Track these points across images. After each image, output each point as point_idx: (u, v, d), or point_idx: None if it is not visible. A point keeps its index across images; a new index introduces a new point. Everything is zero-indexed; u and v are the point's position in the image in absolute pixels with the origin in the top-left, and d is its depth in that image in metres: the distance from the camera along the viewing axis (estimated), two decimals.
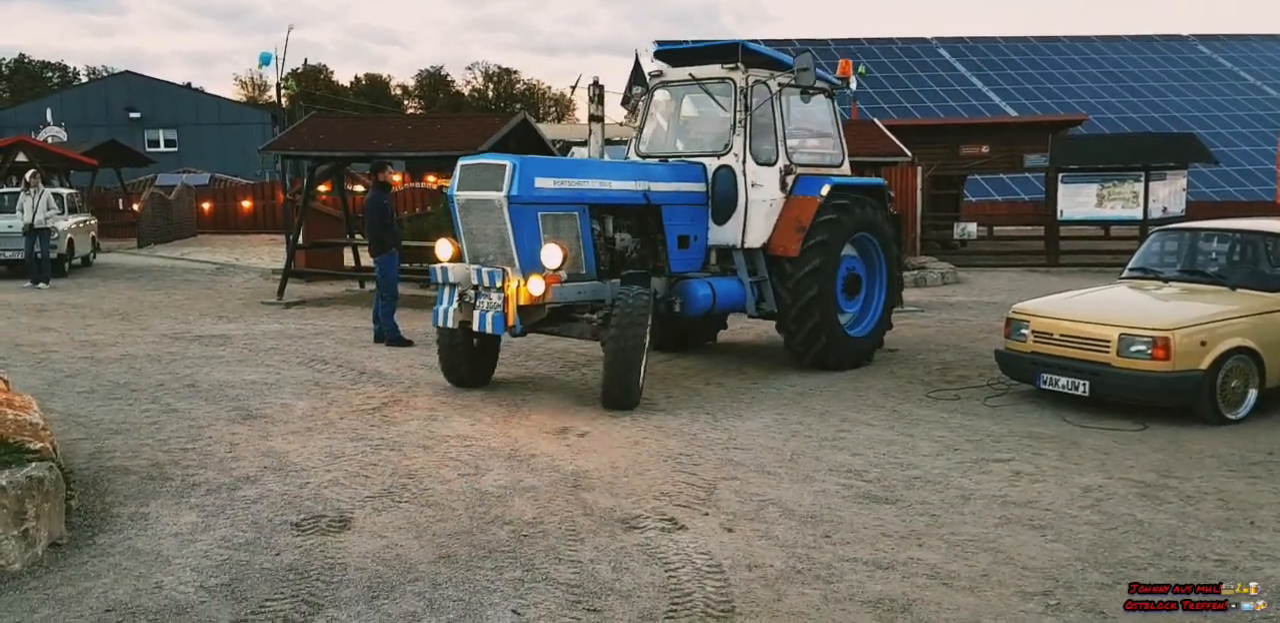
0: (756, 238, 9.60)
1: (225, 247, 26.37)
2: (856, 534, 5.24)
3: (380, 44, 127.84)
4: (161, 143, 52.03)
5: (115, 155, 30.36)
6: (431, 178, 28.97)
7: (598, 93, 10.31)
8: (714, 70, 9.68)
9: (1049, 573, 4.71)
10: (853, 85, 10.50)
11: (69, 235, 19.22)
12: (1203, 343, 7.63)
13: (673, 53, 10.29)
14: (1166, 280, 8.88)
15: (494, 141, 14.10)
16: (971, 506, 5.73)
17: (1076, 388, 8.02)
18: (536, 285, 7.92)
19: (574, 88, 10.74)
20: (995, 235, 23.64)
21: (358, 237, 19.20)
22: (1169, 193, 19.78)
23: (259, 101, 68.80)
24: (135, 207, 28.19)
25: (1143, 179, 19.06)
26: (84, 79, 73.58)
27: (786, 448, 6.95)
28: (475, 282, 8.23)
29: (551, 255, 8.06)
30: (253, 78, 78.10)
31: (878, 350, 10.46)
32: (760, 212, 9.57)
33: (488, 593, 4.47)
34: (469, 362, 8.85)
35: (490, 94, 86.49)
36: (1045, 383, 8.25)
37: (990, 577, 4.67)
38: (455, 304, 8.33)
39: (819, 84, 9.85)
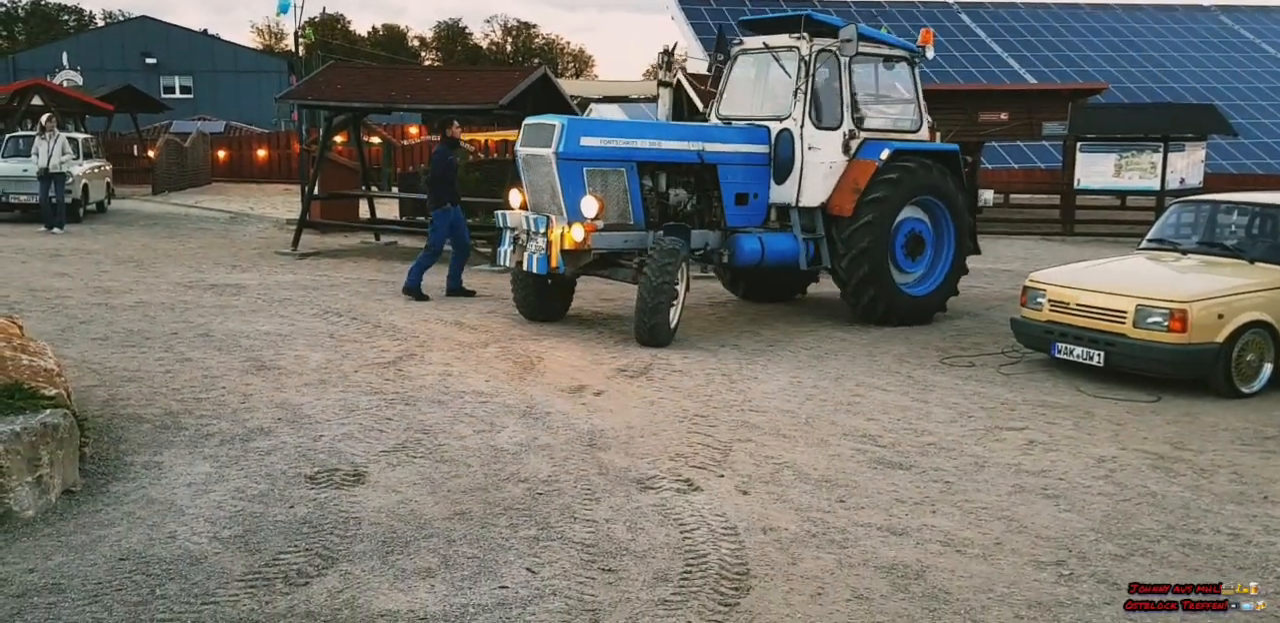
0: (813, 197, 10.15)
1: (240, 195, 26.29)
2: (871, 499, 5.26)
3: None
4: (177, 89, 51.72)
5: (131, 101, 30.18)
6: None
7: (666, 60, 11.04)
8: (783, 40, 10.27)
9: (1062, 543, 4.72)
10: (929, 54, 10.84)
11: (84, 181, 19.17)
12: (1220, 316, 7.58)
13: (753, 22, 11.03)
14: (1184, 252, 8.81)
15: (513, 96, 13.96)
16: (985, 473, 5.73)
17: (1091, 358, 8.00)
18: (578, 232, 8.81)
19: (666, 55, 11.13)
20: (1011, 203, 23.44)
21: (373, 188, 19.18)
22: (1187, 164, 19.57)
23: (275, 50, 68.32)
24: (150, 153, 28.07)
25: (1161, 150, 18.84)
26: (100, 23, 73.00)
27: (802, 411, 6.96)
28: (526, 227, 9.28)
29: (589, 206, 8.91)
30: (269, 26, 77.58)
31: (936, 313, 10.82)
32: (818, 173, 10.09)
33: (502, 551, 4.49)
34: (537, 298, 9.91)
35: (509, 48, 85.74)
36: (1060, 352, 8.23)
37: (1004, 545, 4.68)
38: (511, 246, 9.54)
39: (895, 52, 10.54)
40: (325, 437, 6.09)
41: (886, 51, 10.59)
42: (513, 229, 9.55)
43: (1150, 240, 9.29)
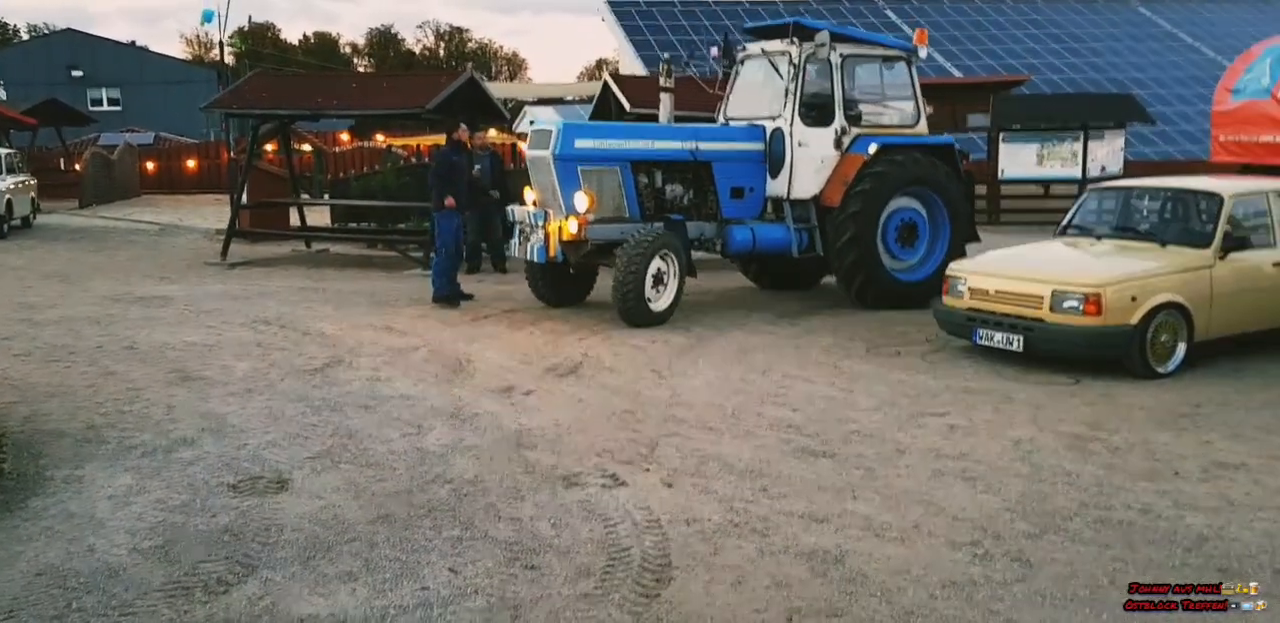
0: (804, 190, 10.91)
1: (169, 207, 25.91)
2: (793, 488, 5.33)
3: (330, 0, 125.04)
4: (105, 102, 50.79)
5: (56, 114, 29.59)
6: (380, 137, 28.64)
7: (667, 68, 11.67)
8: (777, 45, 11.03)
9: (978, 523, 4.83)
10: (922, 53, 11.46)
11: (7, 196, 18.77)
12: (1133, 298, 7.76)
13: (753, 30, 11.92)
14: (1100, 237, 9.00)
15: (440, 100, 13.92)
16: (906, 459, 5.84)
17: (1011, 343, 8.15)
18: (572, 224, 9.82)
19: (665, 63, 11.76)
20: None
21: (303, 195, 19.00)
22: (1107, 152, 19.98)
23: (205, 60, 67.25)
24: (77, 166, 27.53)
25: (1081, 138, 19.24)
26: (25, 37, 71.38)
27: (729, 404, 7.02)
28: (529, 221, 10.25)
29: (581, 201, 9.89)
30: (199, 36, 76.31)
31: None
32: (809, 167, 10.83)
33: (425, 552, 4.50)
34: (547, 285, 10.87)
35: (441, 53, 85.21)
36: (981, 339, 8.38)
37: (921, 528, 4.78)
38: (517, 239, 10.61)
39: (890, 52, 11.31)
40: (249, 445, 6.04)
41: (882, 52, 11.33)
42: (520, 223, 10.53)
43: (1067, 227, 9.50)
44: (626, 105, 13.98)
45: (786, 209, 11.03)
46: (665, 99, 11.71)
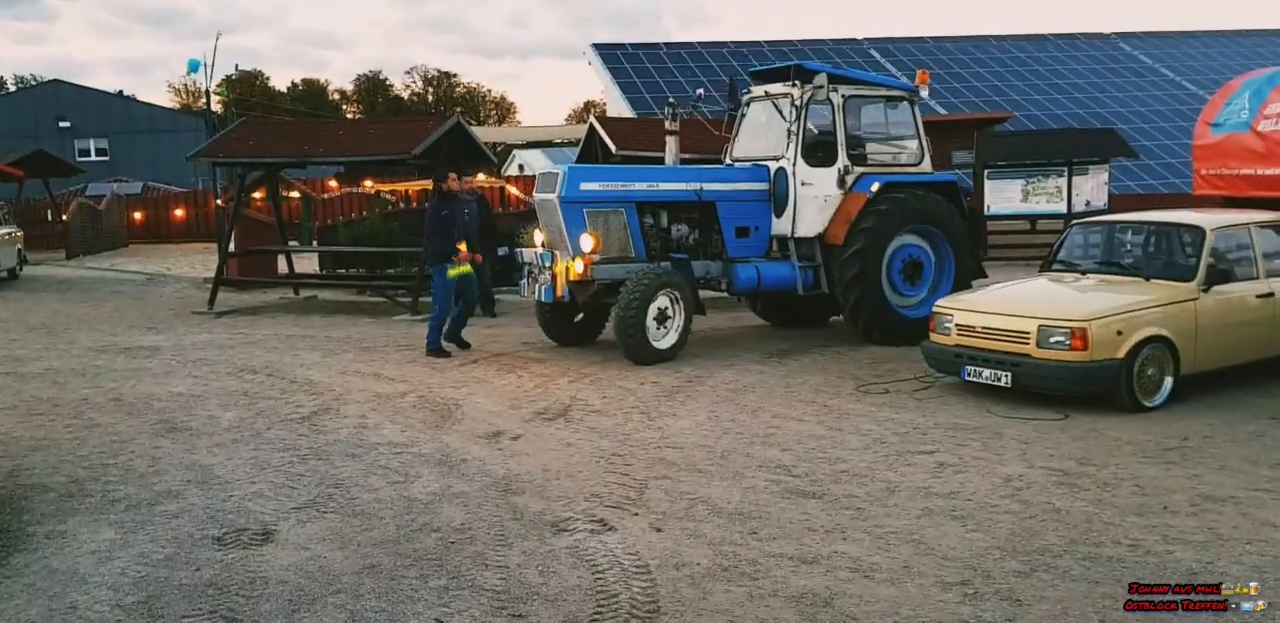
0: (808, 228, 11.14)
1: (157, 256, 25.91)
2: (783, 529, 5.30)
3: (319, 48, 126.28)
4: (93, 152, 50.94)
5: (43, 166, 29.64)
6: (369, 182, 28.71)
7: (672, 112, 11.96)
8: (780, 88, 11.30)
9: (968, 562, 4.80)
10: (924, 93, 11.87)
11: None
12: (1119, 333, 7.80)
13: (757, 73, 12.14)
14: (1084, 272, 9.07)
15: (426, 145, 14.02)
16: (895, 498, 5.81)
17: (999, 379, 8.17)
18: (578, 265, 10.11)
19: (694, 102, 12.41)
20: None
21: (291, 242, 19.03)
22: (1092, 186, 20.13)
23: (193, 109, 67.69)
24: (64, 217, 27.58)
25: (1066, 174, 19.40)
26: (11, 88, 71.85)
27: (718, 445, 7.00)
28: (537, 262, 10.52)
29: (586, 242, 10.16)
30: (186, 85, 76.80)
31: None
32: (813, 206, 11.07)
33: (411, 602, 4.45)
34: (556, 324, 11.13)
35: (430, 98, 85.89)
36: (970, 375, 8.40)
37: (911, 568, 4.75)
38: (526, 279, 10.86)
39: (893, 92, 11.59)
40: (235, 497, 6.00)
41: (884, 92, 11.61)
42: (529, 264, 10.81)
43: (1052, 262, 9.56)
44: (613, 147, 14.09)
45: (792, 247, 11.27)
46: (670, 142, 12.00)
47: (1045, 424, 7.51)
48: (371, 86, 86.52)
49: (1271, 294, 8.56)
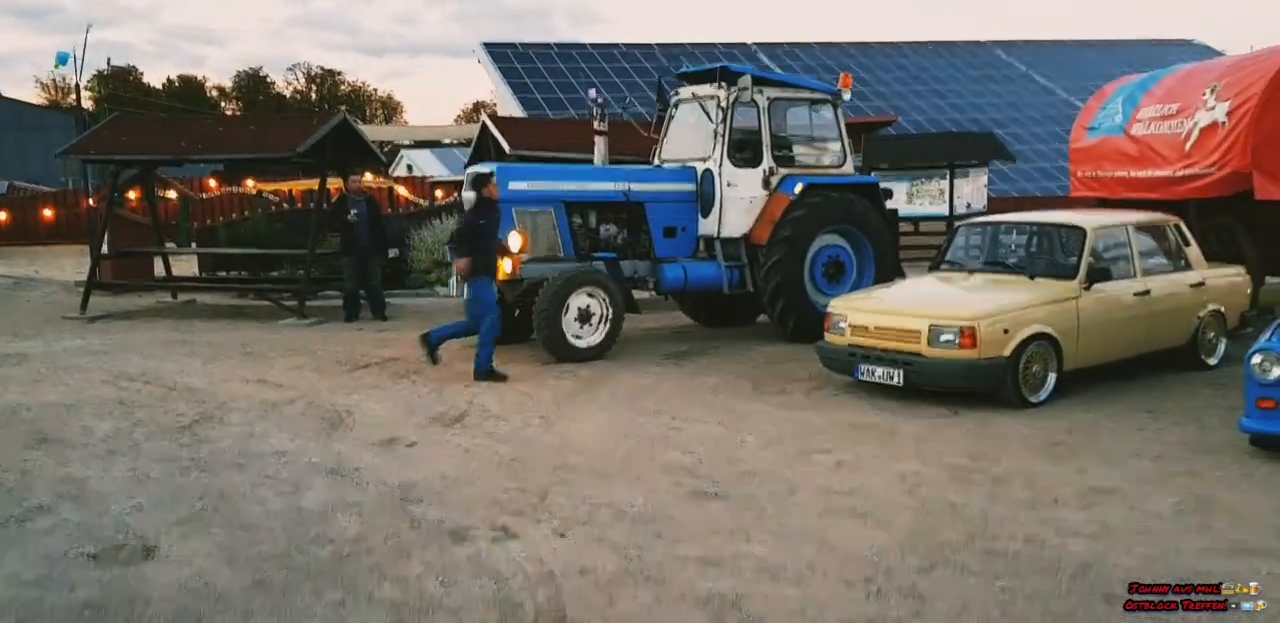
0: (733, 229, 11.32)
1: (24, 259, 24.71)
2: (688, 532, 5.26)
3: (196, 44, 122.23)
4: None
5: None
6: (250, 182, 27.88)
7: (600, 111, 12.08)
8: (707, 89, 11.45)
9: (870, 560, 4.83)
10: (846, 96, 12.07)
11: None
12: (1005, 331, 7.98)
13: (685, 75, 12.29)
14: (972, 272, 9.27)
15: (311, 142, 13.62)
16: (797, 497, 5.83)
17: (891, 378, 8.29)
18: (506, 264, 10.10)
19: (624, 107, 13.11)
20: None
21: (168, 244, 18.33)
22: (973, 189, 20.69)
23: (62, 105, 64.85)
24: None
25: (948, 176, 19.90)
26: None
27: (619, 449, 6.94)
28: None
29: (513, 241, 10.21)
30: (55, 80, 73.53)
31: None
32: (739, 207, 11.26)
33: (306, 619, 4.27)
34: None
35: (314, 96, 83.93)
36: (863, 374, 8.50)
37: (815, 567, 4.75)
38: (456, 277, 10.44)
39: (816, 95, 11.81)
40: (112, 511, 5.69)
41: (808, 95, 11.83)
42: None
43: (941, 262, 9.76)
44: (506, 147, 13.92)
45: (718, 247, 11.44)
46: (599, 142, 12.12)
47: (937, 421, 7.65)
48: (252, 84, 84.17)
49: (1148, 292, 8.88)
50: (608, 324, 10.42)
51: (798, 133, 12.05)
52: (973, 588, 4.47)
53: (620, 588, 4.54)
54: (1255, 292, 10.43)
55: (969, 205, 20.26)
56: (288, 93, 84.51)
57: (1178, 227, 9.68)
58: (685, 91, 11.94)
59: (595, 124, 12.19)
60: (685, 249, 11.55)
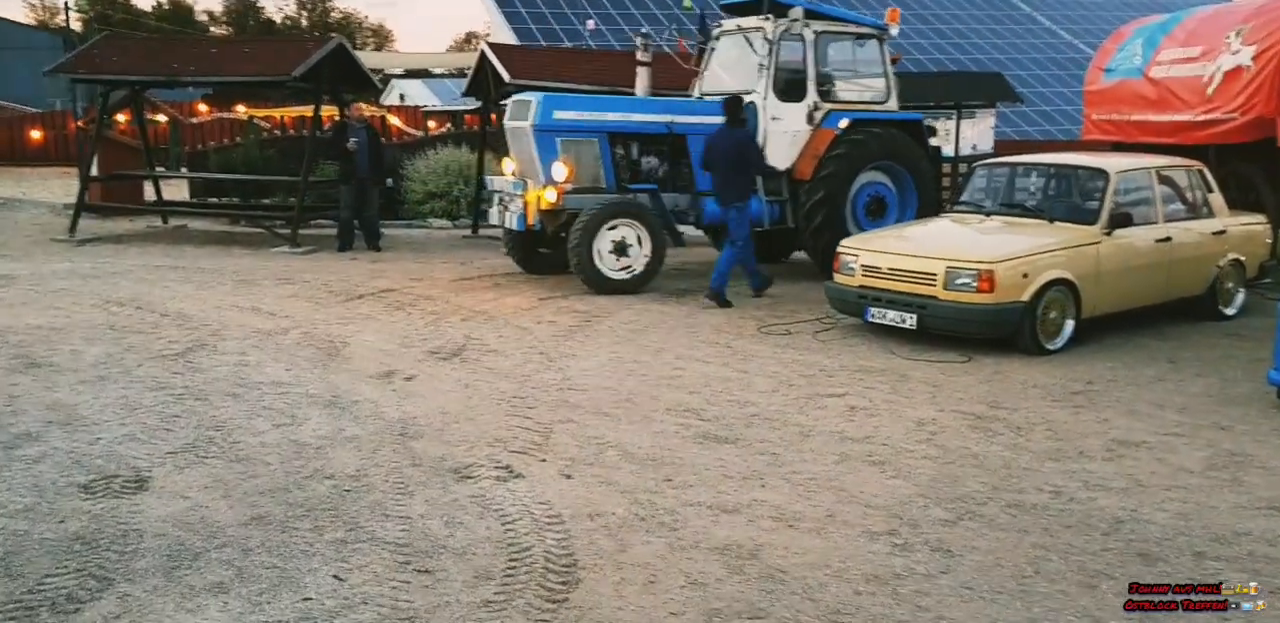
0: (776, 163, 11.02)
1: (11, 180, 24.17)
2: (699, 476, 5.07)
3: None
4: None
5: None
6: (241, 108, 27.27)
7: (644, 43, 11.87)
8: (753, 21, 11.26)
9: (892, 511, 4.65)
10: (894, 31, 11.86)
11: None
12: (1024, 275, 7.75)
13: (729, 6, 12.05)
14: (988, 214, 9.00)
15: (307, 67, 13.19)
16: (810, 443, 5.64)
17: (904, 321, 8.08)
18: (550, 194, 10.09)
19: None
20: None
21: (159, 168, 17.91)
22: (978, 131, 20.26)
23: (50, 26, 63.30)
24: None
25: (955, 117, 19.47)
26: None
27: (623, 388, 6.73)
28: (509, 190, 10.58)
29: (560, 171, 10.19)
30: (43, 0, 71.75)
31: None
32: (782, 141, 11.09)
33: (306, 557, 4.07)
34: (526, 253, 11.28)
35: (304, 22, 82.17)
36: (874, 317, 8.29)
37: (835, 517, 4.57)
38: (497, 207, 10.89)
39: (863, 30, 11.60)
40: (103, 440, 5.48)
41: (854, 30, 11.58)
42: (499, 192, 10.86)
43: (957, 203, 9.48)
44: (506, 77, 13.46)
45: (759, 182, 11.15)
46: (642, 73, 11.89)
47: (949, 367, 7.45)
48: (242, 8, 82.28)
49: (1169, 239, 8.64)
50: (647, 257, 10.30)
51: (841, 67, 11.81)
52: (1002, 543, 4.29)
53: (632, 534, 4.35)
54: (1275, 241, 10.19)
55: (975, 147, 19.85)
56: (278, 18, 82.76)
57: (1201, 172, 9.40)
58: (729, 23, 11.68)
59: (638, 55, 11.96)
60: None
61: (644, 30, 12.12)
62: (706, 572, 4.00)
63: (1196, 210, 9.17)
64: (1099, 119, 13.72)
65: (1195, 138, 11.42)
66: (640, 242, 10.28)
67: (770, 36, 10.98)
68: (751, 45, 11.19)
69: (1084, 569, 4.03)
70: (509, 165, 10.98)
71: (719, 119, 10.79)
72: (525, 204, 10.28)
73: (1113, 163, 8.86)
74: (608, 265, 10.16)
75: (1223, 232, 9.15)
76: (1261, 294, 9.93)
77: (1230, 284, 9.30)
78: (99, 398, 6.26)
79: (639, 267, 10.31)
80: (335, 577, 3.91)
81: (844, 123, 11.09)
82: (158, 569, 3.95)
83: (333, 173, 14.30)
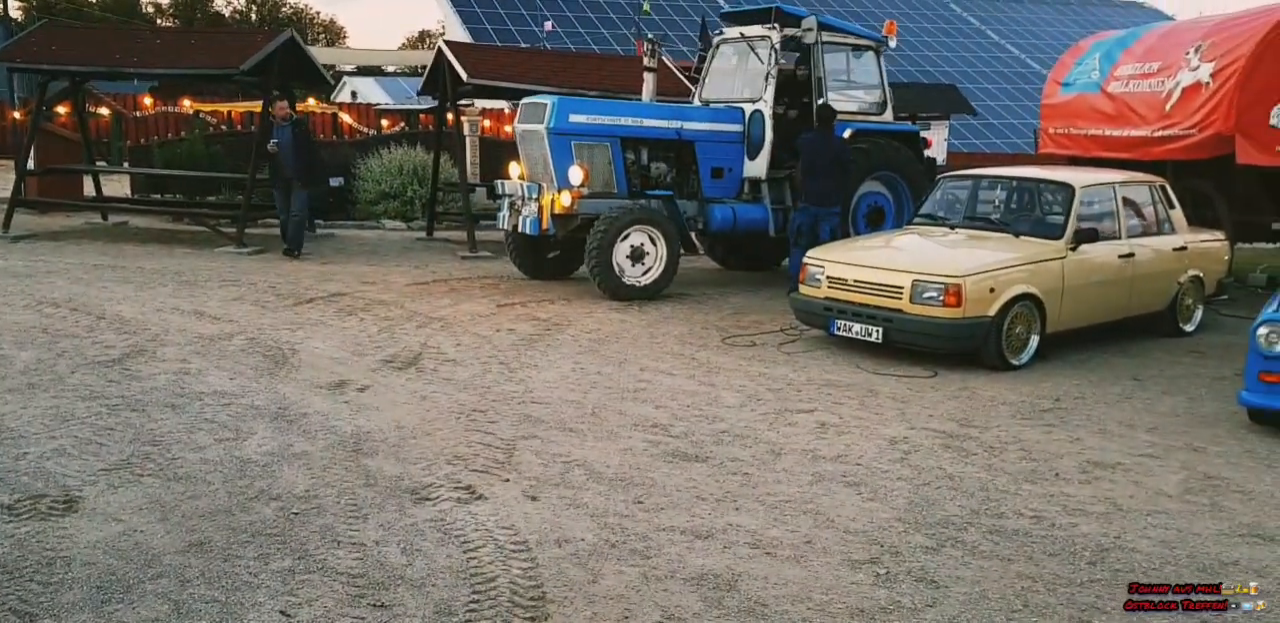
0: (781, 171, 11.20)
1: None
2: (670, 498, 4.84)
3: None
4: None
5: None
6: (187, 102, 26.60)
7: (651, 48, 11.73)
8: (757, 30, 11.32)
9: (872, 537, 4.45)
10: (892, 43, 12.24)
11: None
12: (991, 290, 7.64)
13: (731, 14, 12.24)
14: (953, 227, 8.90)
15: (255, 61, 12.78)
16: (783, 462, 5.44)
17: (870, 334, 7.93)
18: (565, 198, 10.01)
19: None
20: None
21: (99, 163, 17.34)
22: (934, 143, 20.35)
23: None
24: None
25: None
26: None
27: (587, 401, 6.49)
28: (521, 194, 10.41)
29: (575, 175, 10.09)
30: None
31: None
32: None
33: (250, 589, 3.78)
34: (530, 258, 11.14)
35: (253, 17, 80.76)
36: (839, 329, 8.14)
37: (814, 544, 4.37)
38: (508, 211, 10.69)
39: (862, 41, 11.76)
40: (30, 454, 5.13)
41: (854, 41, 11.76)
42: (510, 196, 10.66)
43: (920, 215, 9.37)
44: (464, 76, 13.16)
45: (764, 189, 11.32)
46: (648, 78, 11.78)
47: (916, 382, 7.32)
48: (190, 1, 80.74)
49: (1132, 255, 8.58)
50: (662, 263, 10.25)
51: (838, 78, 11.87)
52: (987, 573, 4.11)
53: (603, 562, 4.11)
54: (1232, 258, 10.21)
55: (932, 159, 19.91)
56: (227, 12, 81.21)
57: (1163, 188, 9.38)
58: (731, 31, 11.70)
59: (645, 61, 11.90)
60: (730, 190, 11.42)
61: (649, 35, 12.16)
62: (683, 606, 3.77)
63: (1159, 226, 9.14)
64: (1056, 133, 13.73)
65: (1153, 153, 11.45)
66: (656, 248, 10.22)
67: (776, 45, 11.06)
68: (757, 54, 11.26)
69: (1074, 602, 3.86)
70: (515, 169, 10.85)
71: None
72: (540, 208, 10.16)
73: (1077, 177, 8.80)
74: (626, 272, 10.07)
75: (1184, 248, 9.13)
76: (1217, 311, 9.94)
77: (1190, 301, 9.29)
78: (27, 408, 5.90)
79: (656, 273, 10.26)
80: (282, 613, 3.62)
81: (848, 133, 11.09)
82: (86, 603, 3.64)
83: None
